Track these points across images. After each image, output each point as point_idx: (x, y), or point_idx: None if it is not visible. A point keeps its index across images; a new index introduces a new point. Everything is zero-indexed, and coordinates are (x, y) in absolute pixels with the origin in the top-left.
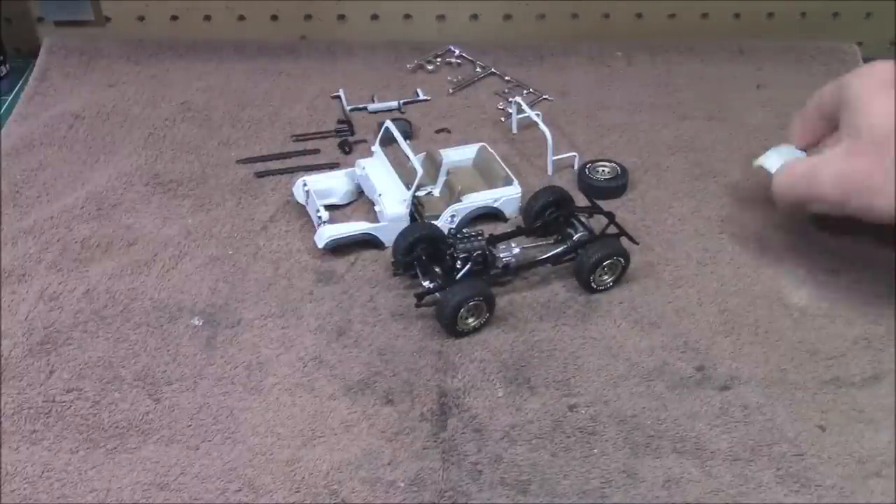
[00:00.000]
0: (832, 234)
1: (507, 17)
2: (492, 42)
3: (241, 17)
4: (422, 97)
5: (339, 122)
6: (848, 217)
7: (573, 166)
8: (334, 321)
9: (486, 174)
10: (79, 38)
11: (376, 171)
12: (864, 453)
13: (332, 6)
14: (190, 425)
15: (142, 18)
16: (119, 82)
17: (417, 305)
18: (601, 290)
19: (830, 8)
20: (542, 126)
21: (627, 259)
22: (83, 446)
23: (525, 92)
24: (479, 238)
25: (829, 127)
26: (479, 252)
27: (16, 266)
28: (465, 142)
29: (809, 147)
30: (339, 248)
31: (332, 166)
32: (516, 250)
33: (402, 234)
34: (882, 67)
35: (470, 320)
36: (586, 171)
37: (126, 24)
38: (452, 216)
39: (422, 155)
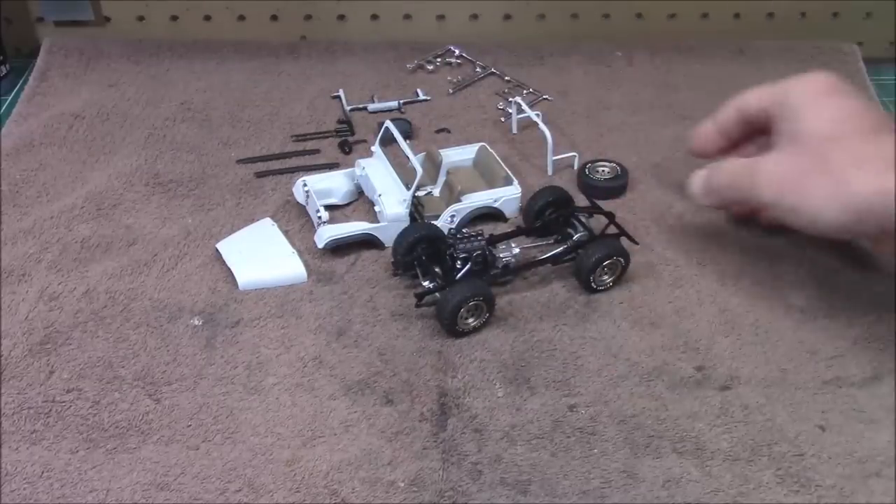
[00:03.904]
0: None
1: (507, 17)
2: (492, 42)
3: (241, 17)
4: (422, 97)
5: (339, 122)
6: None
7: (573, 166)
8: (334, 321)
9: (486, 174)
10: (79, 38)
11: (376, 171)
12: (864, 453)
13: (332, 6)
14: (190, 425)
15: (142, 18)
16: (119, 82)
17: (417, 305)
18: (601, 290)
19: (830, 8)
20: (542, 126)
21: (627, 259)
22: (83, 446)
23: (525, 92)
24: (479, 238)
25: (747, 132)
26: (479, 252)
27: (16, 266)
28: (465, 142)
29: (720, 153)
30: (339, 248)
31: (332, 166)
32: (516, 250)
33: (402, 234)
34: (820, 77)
35: (470, 320)
36: (586, 171)
37: (126, 24)
38: (452, 216)
39: (422, 155)
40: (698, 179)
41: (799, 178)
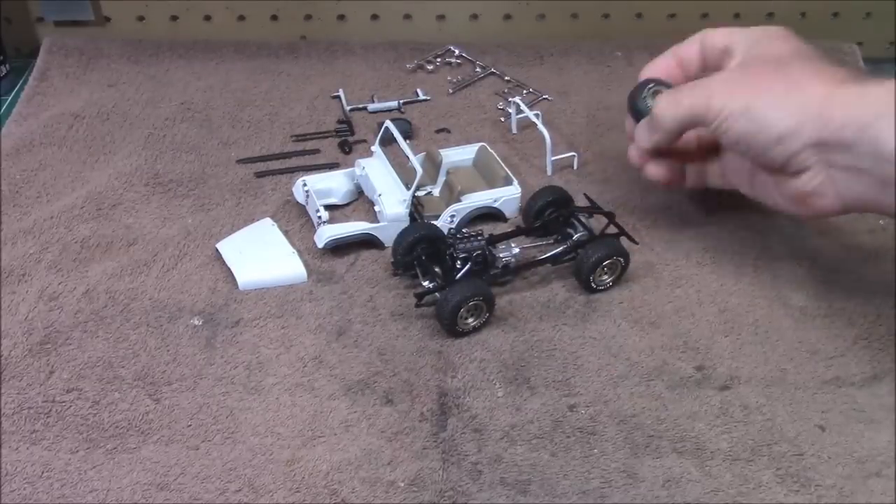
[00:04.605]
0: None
1: (507, 17)
2: (492, 42)
3: (241, 17)
4: (422, 97)
5: (339, 122)
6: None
7: (572, 166)
8: (334, 321)
9: (485, 174)
10: (79, 38)
11: (376, 171)
12: (864, 453)
13: (332, 6)
14: (190, 425)
15: (142, 18)
16: (119, 82)
17: (417, 305)
18: (601, 290)
19: (830, 8)
20: (541, 126)
21: (627, 259)
22: (83, 446)
23: (525, 92)
24: (479, 238)
25: (702, 70)
26: (479, 252)
27: (16, 266)
28: (465, 142)
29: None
30: (339, 248)
31: (332, 166)
32: (516, 250)
33: (402, 234)
34: (779, 27)
35: (470, 320)
36: (643, 95)
37: (126, 24)
38: (452, 216)
39: (421, 155)
40: (663, 104)
41: (753, 81)
